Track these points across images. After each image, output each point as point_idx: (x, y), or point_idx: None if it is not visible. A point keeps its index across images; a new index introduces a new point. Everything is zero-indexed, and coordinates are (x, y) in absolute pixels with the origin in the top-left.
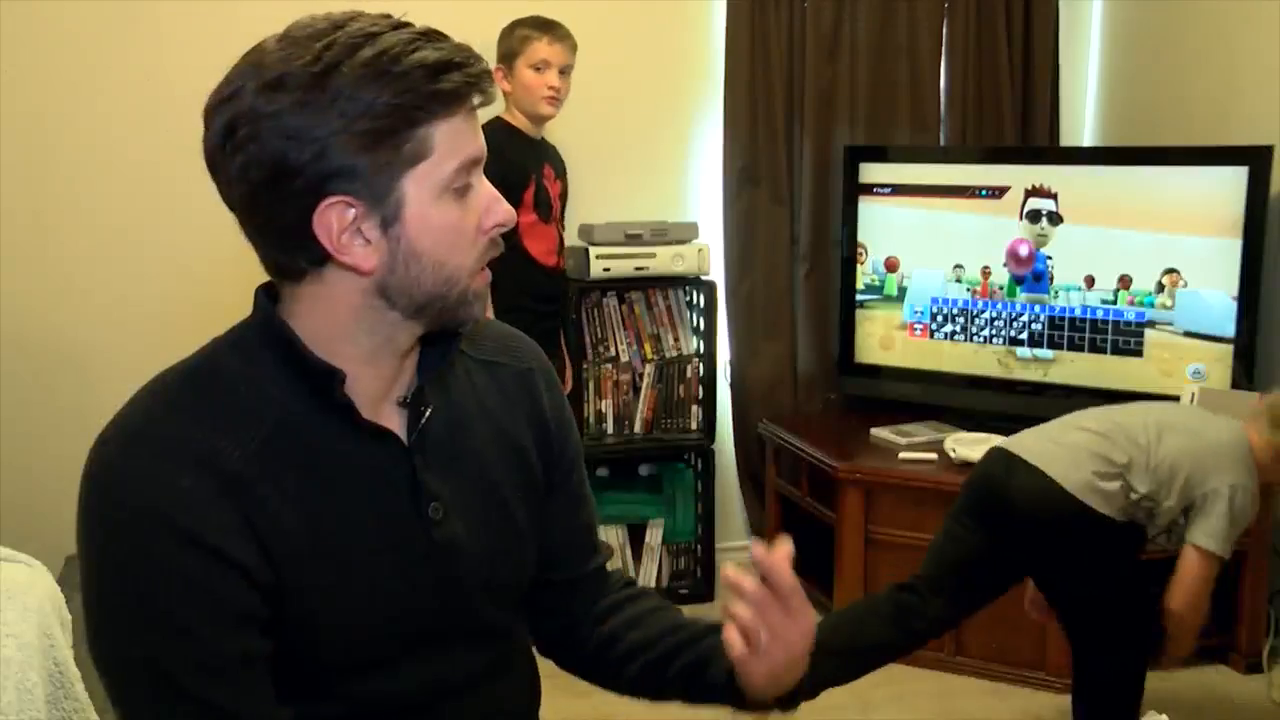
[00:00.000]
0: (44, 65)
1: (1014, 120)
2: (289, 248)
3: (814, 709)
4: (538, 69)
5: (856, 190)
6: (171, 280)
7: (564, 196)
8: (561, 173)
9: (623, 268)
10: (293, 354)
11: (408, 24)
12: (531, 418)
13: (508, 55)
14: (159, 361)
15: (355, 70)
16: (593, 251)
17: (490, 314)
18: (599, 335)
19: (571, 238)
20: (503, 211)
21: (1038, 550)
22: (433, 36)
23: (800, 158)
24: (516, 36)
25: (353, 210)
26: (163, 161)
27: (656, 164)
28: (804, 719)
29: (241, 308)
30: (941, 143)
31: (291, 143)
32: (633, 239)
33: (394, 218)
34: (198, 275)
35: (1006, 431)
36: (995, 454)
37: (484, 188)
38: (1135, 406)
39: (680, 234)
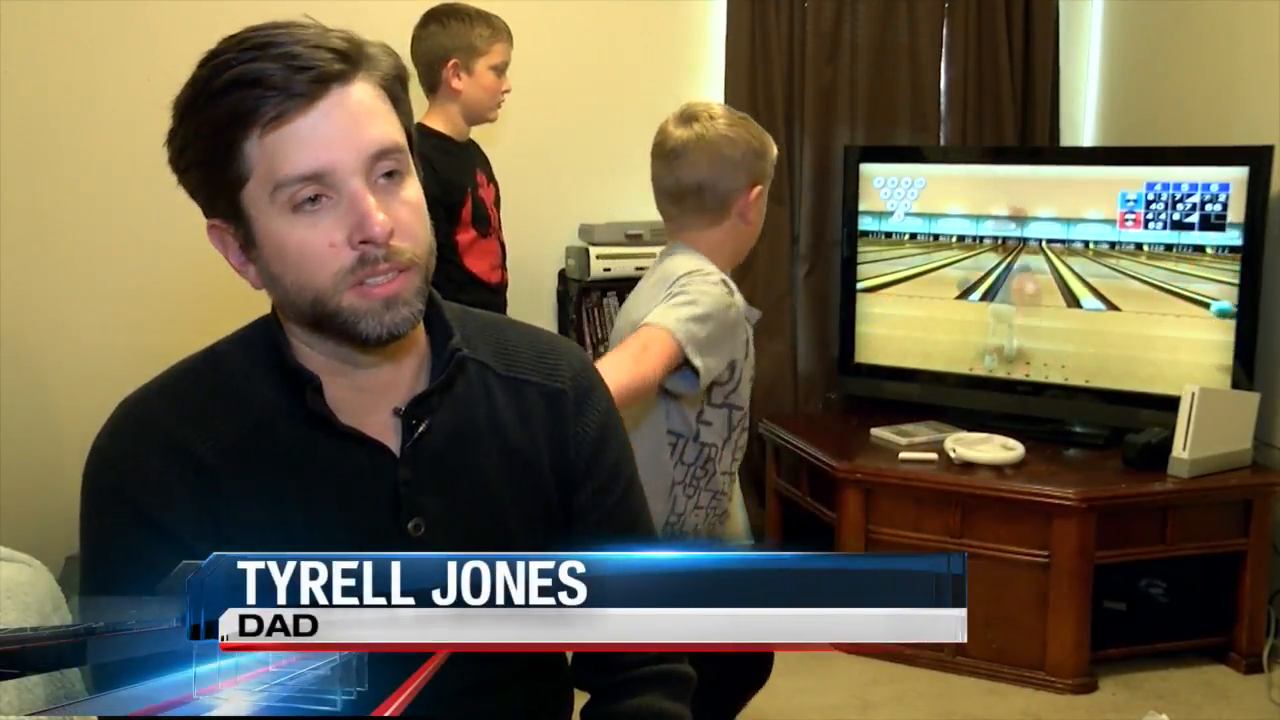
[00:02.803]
0: (44, 65)
1: (1014, 120)
2: None
3: (814, 708)
4: (498, 71)
5: (857, 190)
6: (173, 280)
7: (498, 202)
8: (491, 175)
9: (623, 267)
10: (280, 357)
11: (271, 32)
12: (553, 439)
13: (468, 50)
14: (160, 361)
15: (196, 89)
16: (593, 251)
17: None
18: (599, 335)
19: (572, 238)
20: (368, 227)
21: None
22: (269, 46)
23: (800, 158)
24: (476, 34)
25: (226, 233)
26: (164, 161)
27: None
28: (804, 718)
29: (243, 308)
30: (941, 143)
31: (178, 165)
32: (633, 239)
33: (250, 238)
34: (199, 275)
35: (1007, 431)
36: None
37: (343, 199)
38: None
39: None
